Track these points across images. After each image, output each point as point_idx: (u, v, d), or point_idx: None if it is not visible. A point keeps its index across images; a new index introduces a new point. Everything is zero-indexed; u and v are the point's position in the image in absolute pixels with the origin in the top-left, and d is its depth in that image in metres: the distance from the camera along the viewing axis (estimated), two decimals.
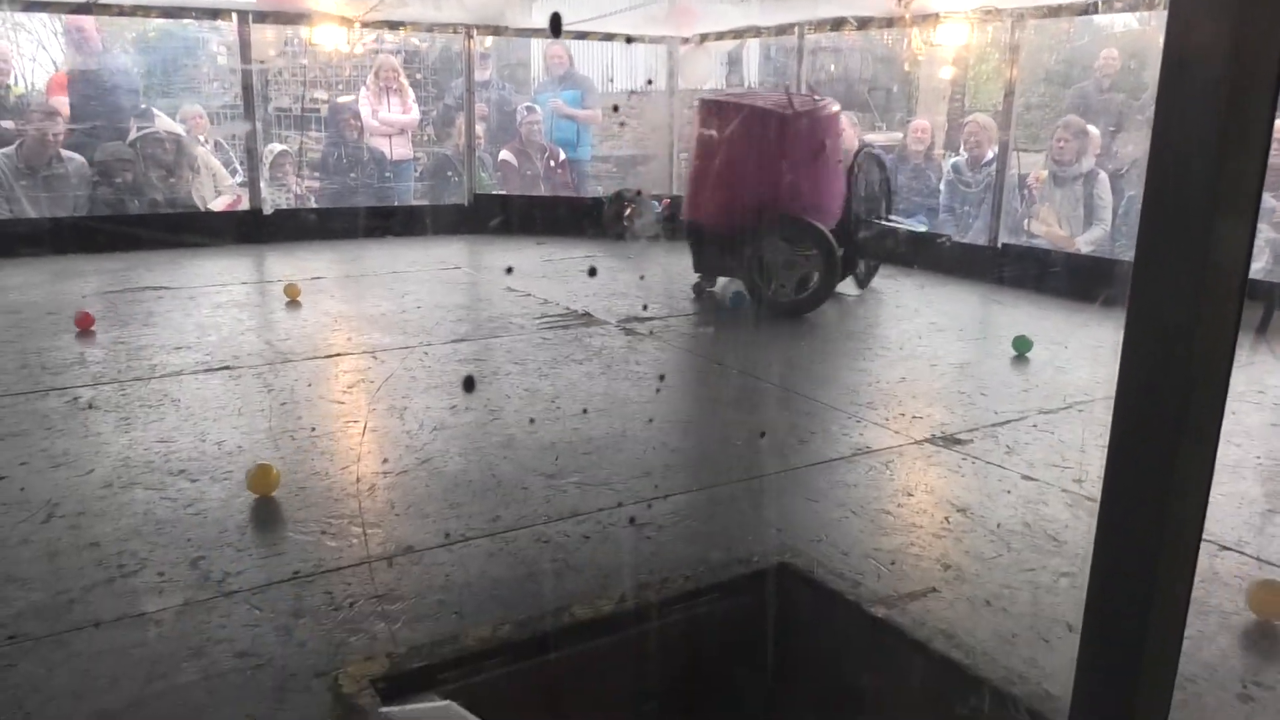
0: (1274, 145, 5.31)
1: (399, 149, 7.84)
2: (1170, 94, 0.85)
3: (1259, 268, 5.32)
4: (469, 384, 3.48)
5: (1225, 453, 2.97)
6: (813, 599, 2.09)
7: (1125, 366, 0.80)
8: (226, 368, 3.61)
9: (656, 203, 7.45)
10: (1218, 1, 0.83)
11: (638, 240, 6.87)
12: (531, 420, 3.08)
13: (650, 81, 10.39)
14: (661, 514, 2.45)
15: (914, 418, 3.27)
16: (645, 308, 4.83)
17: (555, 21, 5.13)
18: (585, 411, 3.18)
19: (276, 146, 7.74)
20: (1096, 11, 6.04)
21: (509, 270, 6.03)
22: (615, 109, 8.18)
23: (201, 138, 7.36)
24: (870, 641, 1.96)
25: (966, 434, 3.09)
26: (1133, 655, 0.80)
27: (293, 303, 4.77)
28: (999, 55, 7.57)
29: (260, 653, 1.81)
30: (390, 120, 7.73)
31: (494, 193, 7.82)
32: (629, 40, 8.16)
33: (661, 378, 3.64)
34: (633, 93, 9.11)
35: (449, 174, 8.19)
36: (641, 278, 5.85)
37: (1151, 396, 0.78)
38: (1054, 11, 6.06)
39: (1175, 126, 0.84)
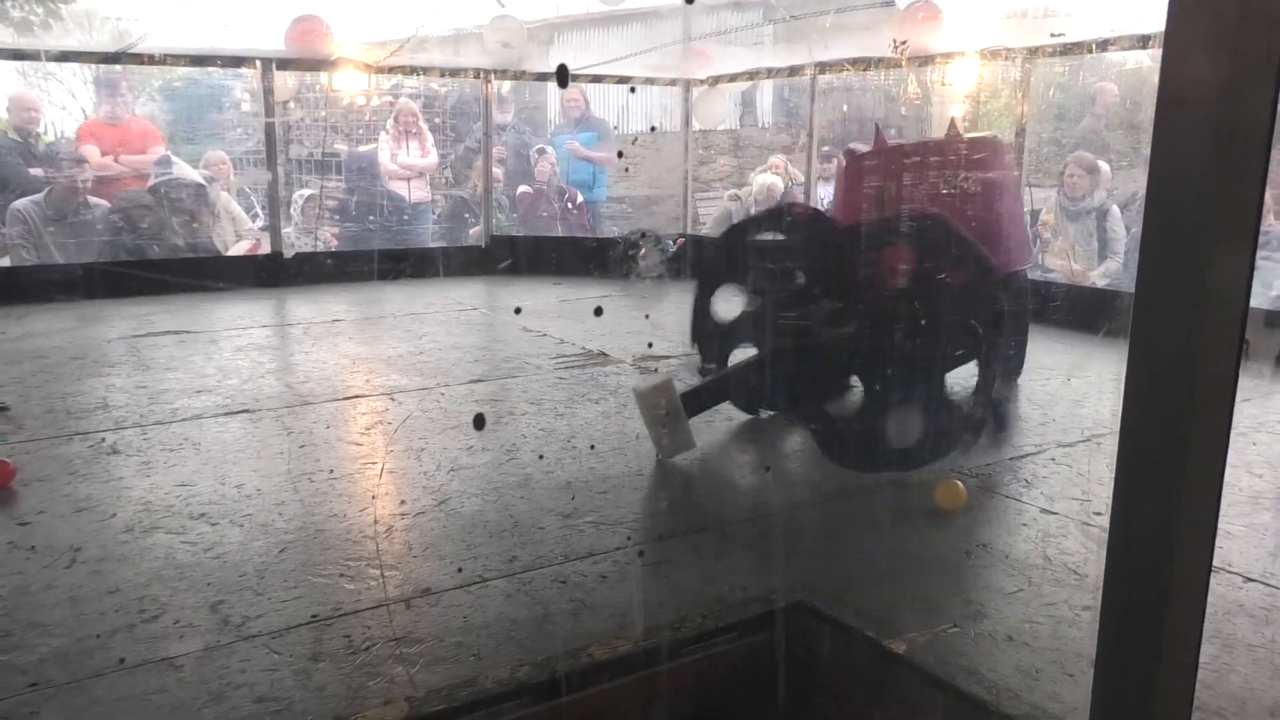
0: None
1: (417, 192, 7.95)
2: (1166, 129, 0.86)
3: (1275, 294, 5.29)
4: (479, 422, 3.49)
5: (1248, 483, 2.94)
6: (831, 636, 2.08)
7: (1129, 397, 0.81)
8: (246, 411, 3.64)
9: (671, 242, 7.51)
10: (1212, 37, 0.84)
11: (651, 279, 6.91)
12: (541, 456, 3.09)
13: (654, 128, 10.49)
14: (678, 552, 2.45)
15: None
16: (650, 345, 4.83)
17: (562, 73, 5.18)
18: (593, 448, 3.19)
19: (306, 191, 7.87)
20: (1105, 50, 6.09)
21: (518, 310, 6.08)
22: (620, 155, 8.26)
23: (220, 184, 7.49)
24: (889, 678, 1.94)
25: (984, 467, 3.08)
26: (1146, 688, 0.79)
27: (314, 345, 4.81)
28: (1009, 92, 7.62)
29: (279, 697, 1.81)
30: (409, 164, 7.84)
31: (511, 234, 7.89)
32: (632, 89, 8.28)
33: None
34: (635, 140, 9.22)
35: (466, 216, 8.29)
36: (646, 316, 5.84)
37: (1155, 427, 0.78)
38: (1064, 50, 6.11)
39: (1172, 161, 0.86)
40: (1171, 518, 0.78)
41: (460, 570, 2.30)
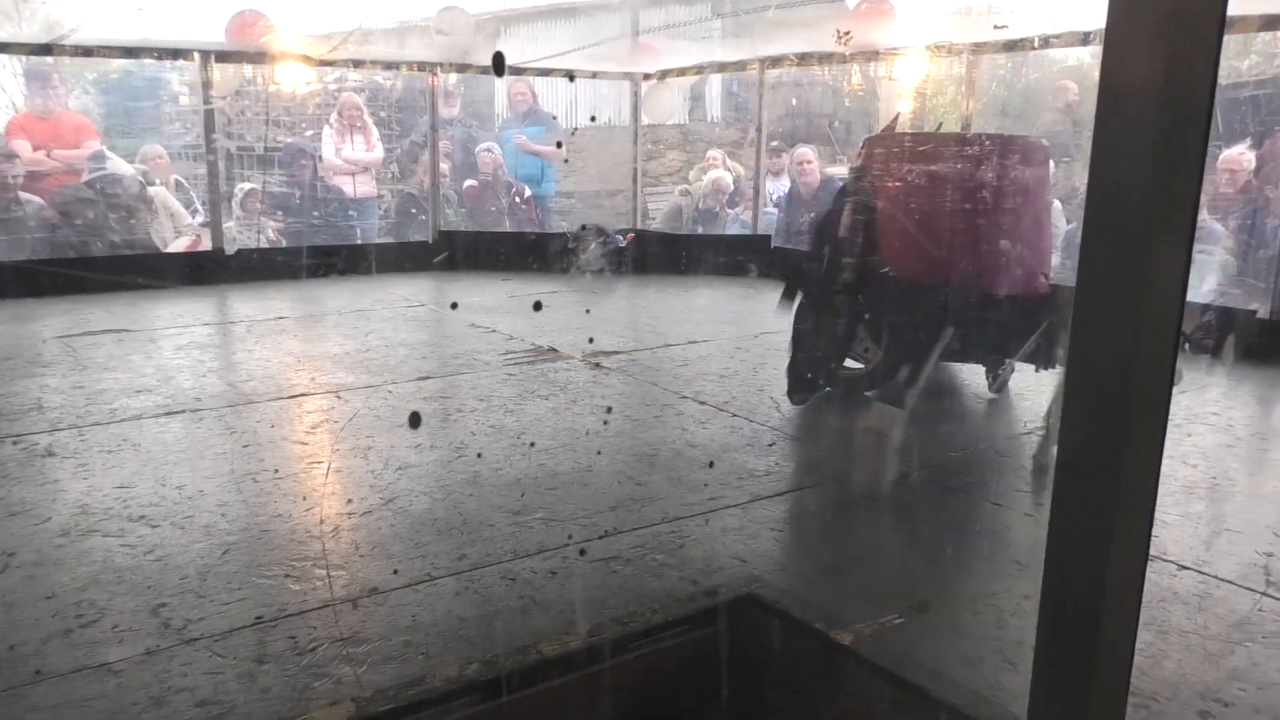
0: (1226, 176, 5.45)
1: (362, 187, 7.83)
2: (1107, 124, 0.87)
3: (1208, 289, 5.44)
4: (415, 420, 3.46)
5: (1183, 474, 3.02)
6: (779, 629, 2.09)
7: (1070, 389, 0.82)
8: (188, 410, 3.57)
9: (621, 237, 7.50)
10: (1151, 34, 0.86)
11: (594, 273, 6.91)
12: (479, 454, 3.08)
13: (594, 118, 10.46)
14: (628, 548, 2.44)
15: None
16: (591, 340, 4.82)
17: (498, 62, 5.12)
18: (532, 445, 3.18)
19: (246, 185, 7.71)
20: (1049, 46, 6.19)
21: (454, 306, 6.03)
22: (559, 145, 8.22)
23: (158, 180, 7.31)
24: (836, 670, 1.96)
25: (929, 462, 3.12)
26: (1084, 673, 0.81)
27: (258, 343, 4.73)
28: (955, 89, 7.73)
29: (222, 700, 1.77)
30: (354, 158, 7.73)
31: (459, 229, 7.83)
32: (570, 78, 8.24)
33: (609, 410, 3.64)
34: (574, 130, 9.17)
35: (413, 211, 8.19)
36: (587, 311, 5.82)
37: (1095, 419, 0.80)
38: (1008, 47, 6.21)
39: (1112, 156, 0.87)
40: (1110, 508, 0.79)
41: (396, 572, 2.27)
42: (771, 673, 2.13)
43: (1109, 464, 0.79)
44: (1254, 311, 4.78)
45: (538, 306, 5.82)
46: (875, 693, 1.87)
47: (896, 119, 4.18)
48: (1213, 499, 2.86)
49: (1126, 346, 0.82)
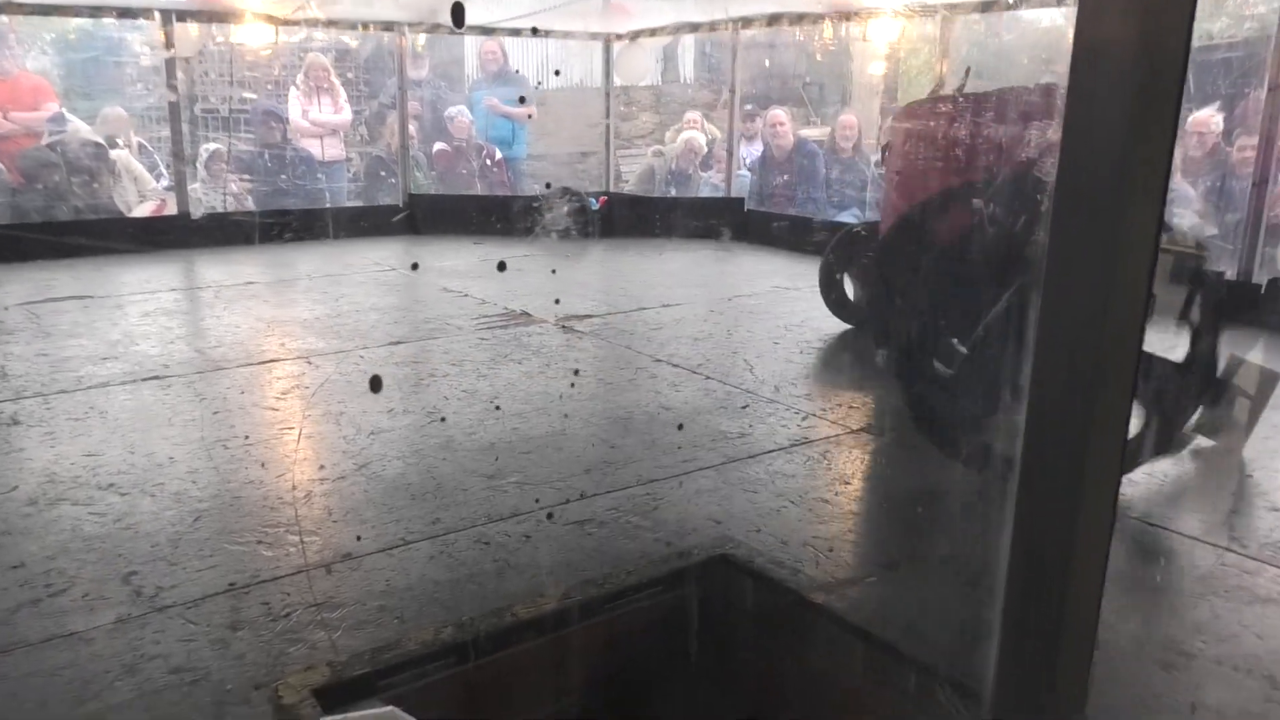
0: (1195, 138, 5.48)
1: (331, 150, 7.72)
2: (1080, 85, 0.87)
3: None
4: (376, 384, 3.43)
5: None
6: (753, 588, 2.11)
7: (1040, 345, 0.82)
8: (156, 377, 3.52)
9: (594, 200, 7.45)
10: None
11: (574, 237, 6.86)
12: (443, 419, 3.07)
13: (558, 72, 10.32)
14: (602, 510, 2.45)
15: (850, 408, 3.31)
16: (557, 301, 4.81)
17: (457, 12, 4.98)
18: (498, 408, 3.17)
19: (210, 146, 7.56)
20: (1021, 6, 6.18)
21: (414, 267, 5.99)
22: (522, 100, 8.09)
23: (121, 143, 7.16)
24: (810, 627, 1.98)
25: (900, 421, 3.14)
26: (1052, 625, 0.82)
27: (226, 309, 4.67)
28: (929, 50, 7.70)
29: (196, 667, 1.77)
30: (321, 121, 7.61)
31: (429, 192, 7.74)
32: (534, 31, 8.10)
33: (576, 372, 3.63)
34: (538, 84, 9.04)
35: (383, 174, 8.09)
36: (553, 271, 5.77)
37: (1065, 376, 0.80)
38: (983, 7, 6.18)
39: (1086, 116, 0.87)
40: (1078, 466, 0.80)
41: (359, 539, 2.26)
42: (745, 631, 2.15)
43: (1078, 423, 0.79)
44: (1222, 273, 4.83)
45: (501, 267, 5.76)
46: (847, 649, 1.89)
47: (967, 73, 3.40)
48: (1178, 458, 2.90)
49: (1098, 303, 0.82)
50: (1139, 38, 0.85)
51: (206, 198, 6.91)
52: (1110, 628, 1.93)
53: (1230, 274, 4.77)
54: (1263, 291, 4.65)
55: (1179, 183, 5.60)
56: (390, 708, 1.72)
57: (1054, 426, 0.82)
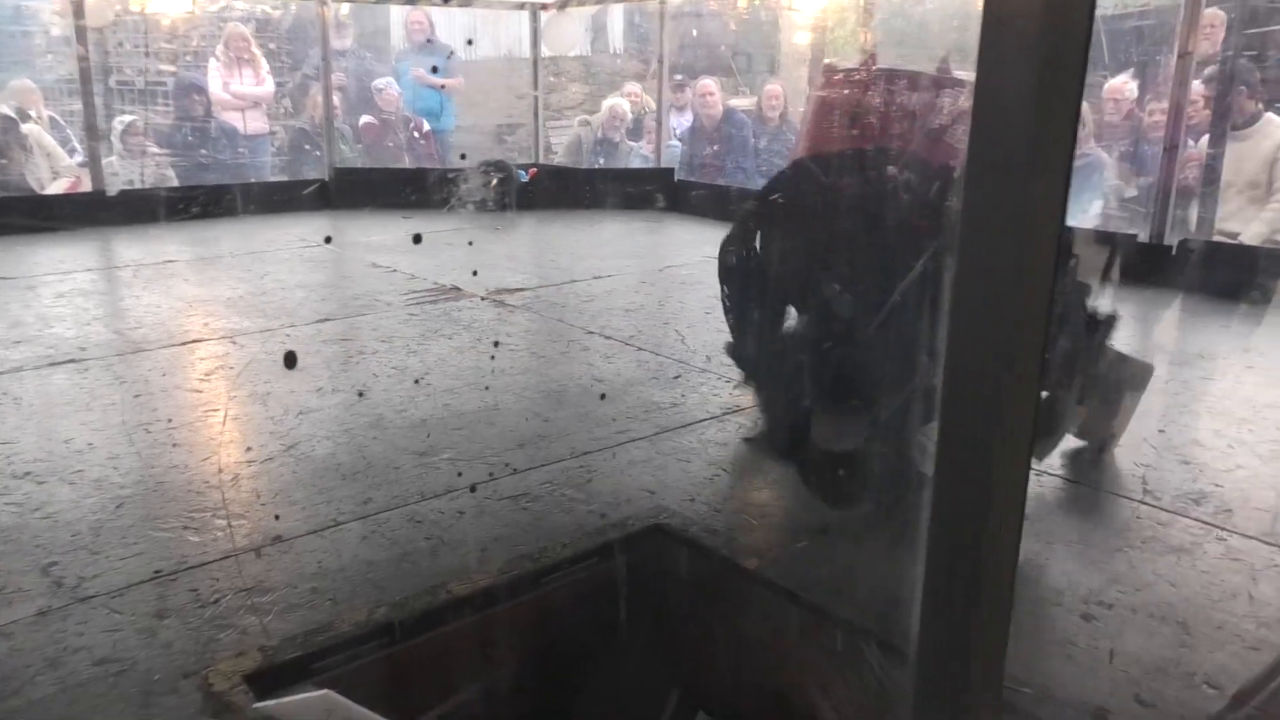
0: (1110, 105, 5.61)
1: (253, 123, 7.52)
2: (990, 52, 0.88)
3: (1094, 214, 5.63)
4: (290, 360, 3.37)
5: None
6: (688, 557, 2.13)
7: (954, 311, 0.84)
8: (72, 360, 3.41)
9: (524, 172, 7.38)
10: None
11: (504, 210, 6.80)
12: (361, 394, 3.04)
13: (470, 42, 10.16)
14: (536, 484, 2.45)
15: None
16: (475, 273, 4.76)
17: None
18: (417, 382, 3.15)
19: (126, 117, 7.29)
20: None
21: (328, 240, 5.90)
22: (434, 70, 7.94)
23: (33, 114, 6.88)
24: (743, 593, 2.01)
25: None
26: (972, 578, 0.85)
27: (145, 288, 4.54)
28: (854, 20, 7.75)
29: (122, 658, 1.73)
30: (242, 93, 7.40)
31: (356, 165, 7.59)
32: (449, 0, 7.96)
33: (496, 344, 3.61)
34: (450, 55, 8.91)
35: (307, 147, 7.91)
36: (470, 243, 5.71)
37: (979, 341, 0.82)
38: None
39: (995, 84, 0.88)
40: (993, 425, 0.82)
41: (278, 518, 2.23)
42: (680, 600, 2.17)
43: (991, 383, 0.81)
44: (1135, 235, 4.97)
45: (417, 240, 5.67)
46: (780, 613, 1.93)
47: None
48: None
49: (1009, 269, 0.84)
50: (1044, 8, 0.86)
51: (123, 172, 6.69)
52: (1032, 581, 2.00)
53: (1143, 236, 4.92)
54: (1174, 253, 4.80)
55: (1094, 148, 5.74)
56: (324, 691, 1.71)
57: (968, 388, 0.84)
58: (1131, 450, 2.70)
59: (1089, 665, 1.74)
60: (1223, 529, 2.25)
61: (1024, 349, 0.85)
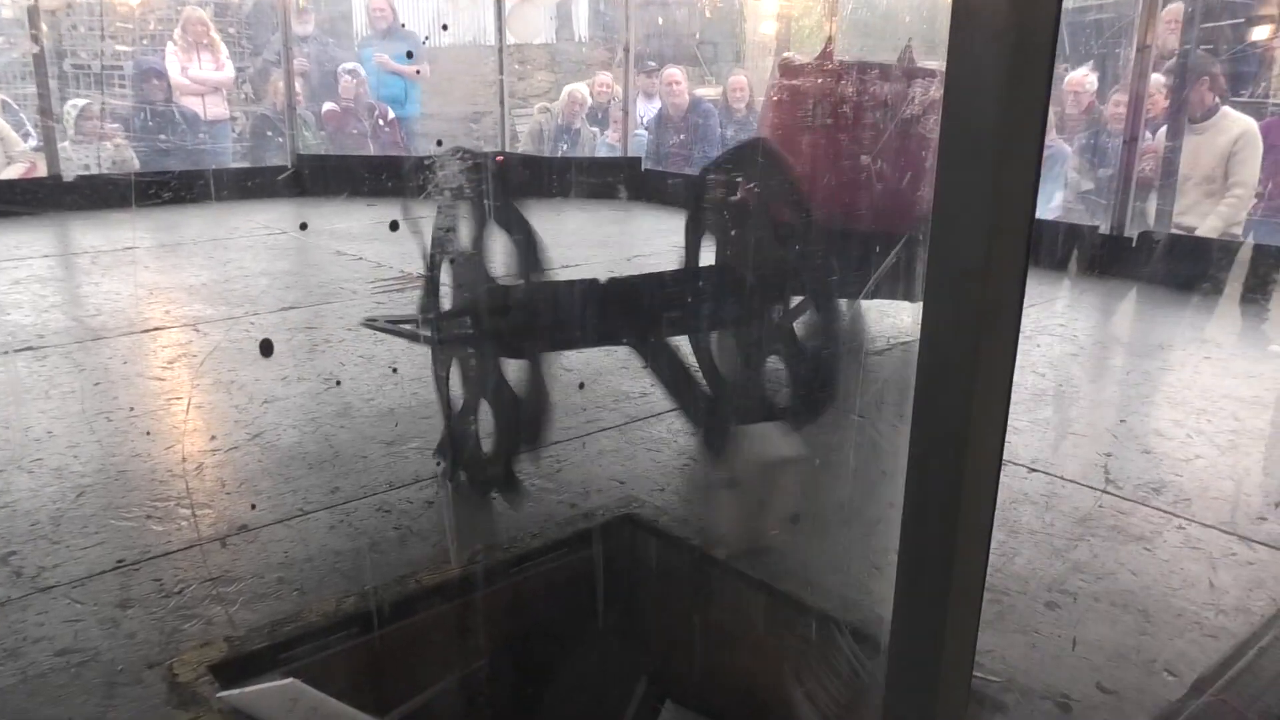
0: (1071, 97, 5.67)
1: (213, 108, 7.40)
2: (960, 38, 0.89)
3: (1056, 205, 5.70)
4: (266, 349, 3.33)
5: (1031, 381, 3.19)
6: (658, 547, 2.13)
7: (928, 302, 0.85)
8: (30, 348, 3.35)
9: (491, 160, 7.32)
10: None
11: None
12: (339, 382, 3.01)
13: (445, 26, 10.07)
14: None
15: None
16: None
17: None
18: (395, 370, 3.13)
19: (79, 101, 7.13)
20: None
21: (303, 226, 5.83)
22: (409, 55, 7.87)
23: None
24: (713, 583, 2.02)
25: None
26: (944, 573, 0.86)
27: (105, 275, 4.45)
28: (820, 9, 7.76)
29: (84, 648, 1.71)
30: (202, 78, 7.28)
31: (319, 152, 7.50)
32: None
33: None
34: (425, 39, 8.81)
35: (269, 134, 7.80)
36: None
37: (951, 330, 0.83)
38: None
39: (966, 69, 0.88)
40: (966, 415, 0.83)
41: (254, 507, 2.21)
42: (650, 589, 2.18)
43: (963, 375, 0.82)
44: (1096, 227, 5.04)
45: (394, 226, 5.59)
46: (750, 602, 1.94)
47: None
48: (1058, 405, 3.04)
49: (981, 258, 0.85)
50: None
51: (77, 158, 6.55)
52: (998, 570, 2.02)
53: (1104, 228, 4.99)
54: (1134, 244, 4.87)
55: (1055, 139, 5.81)
56: (290, 680, 1.70)
57: (943, 377, 0.85)
58: (1095, 440, 2.74)
59: (1053, 653, 1.77)
60: (1182, 518, 2.29)
61: (996, 339, 0.85)
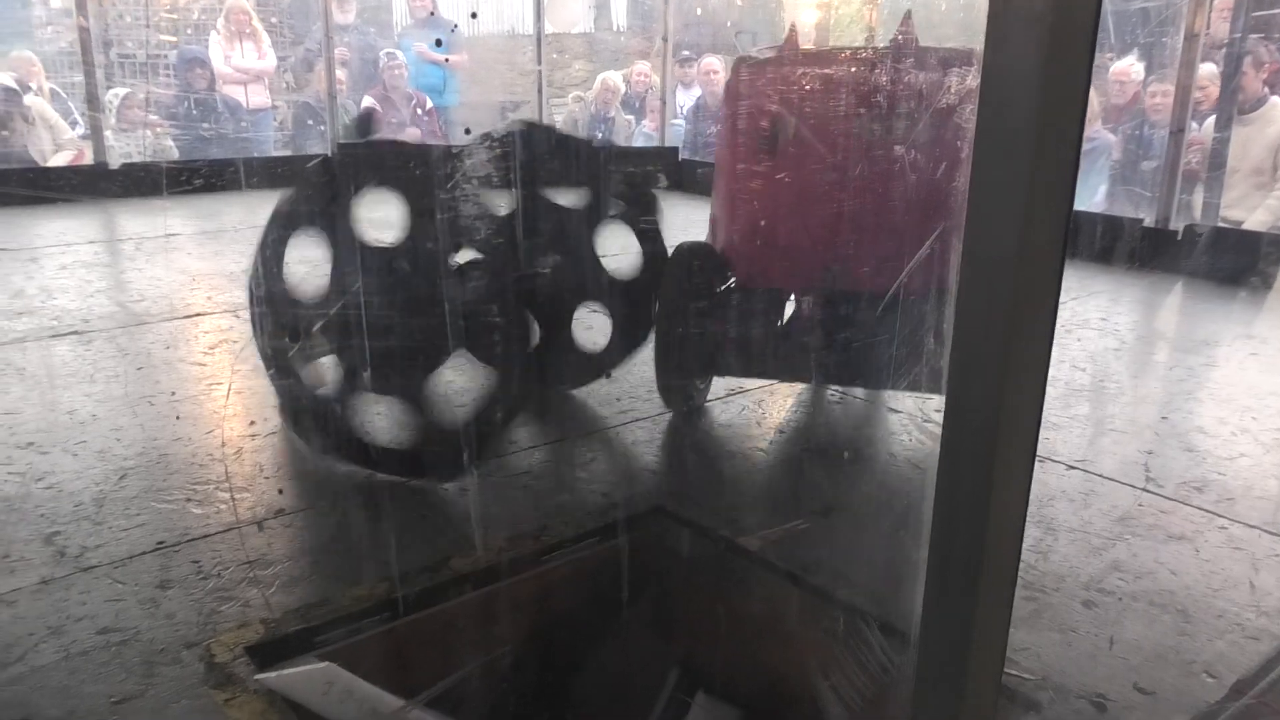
0: (1116, 87, 5.56)
1: (256, 97, 7.48)
2: (998, 24, 0.87)
3: (1099, 198, 5.61)
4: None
5: (1071, 377, 3.15)
6: (689, 538, 2.13)
7: (962, 292, 0.84)
8: (75, 332, 3.41)
9: None
10: None
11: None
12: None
13: (475, 15, 10.08)
14: (539, 462, 2.45)
15: None
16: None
17: None
18: None
19: (120, 90, 7.25)
20: None
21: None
22: (439, 43, 7.89)
23: (34, 86, 6.84)
24: (744, 575, 2.01)
25: None
26: (974, 569, 0.85)
27: (148, 261, 4.52)
28: None
29: (125, 627, 1.74)
30: (244, 67, 7.37)
31: (359, 141, 7.56)
32: None
33: None
34: (454, 27, 8.82)
35: (310, 122, 7.87)
36: None
37: (985, 323, 0.82)
38: None
39: (1004, 57, 0.87)
40: (997, 409, 0.82)
41: (281, 492, 2.24)
42: (680, 579, 2.18)
43: (997, 368, 0.81)
44: (1140, 220, 4.95)
45: None
46: (779, 595, 1.93)
47: (792, 30, 2.81)
48: (1099, 401, 3.00)
49: (1016, 250, 0.83)
50: None
51: (119, 145, 6.65)
52: (1034, 567, 2.00)
53: (1148, 220, 4.90)
54: (1179, 238, 4.78)
55: (1100, 130, 5.71)
56: (326, 664, 1.72)
57: (976, 370, 0.83)
58: (1134, 437, 2.70)
59: (1088, 651, 1.75)
60: (1225, 517, 2.25)
61: (1032, 332, 0.84)
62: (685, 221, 6.19)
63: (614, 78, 8.13)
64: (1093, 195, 5.57)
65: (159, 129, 7.12)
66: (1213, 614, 1.87)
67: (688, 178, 7.13)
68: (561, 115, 8.99)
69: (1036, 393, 0.83)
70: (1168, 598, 1.91)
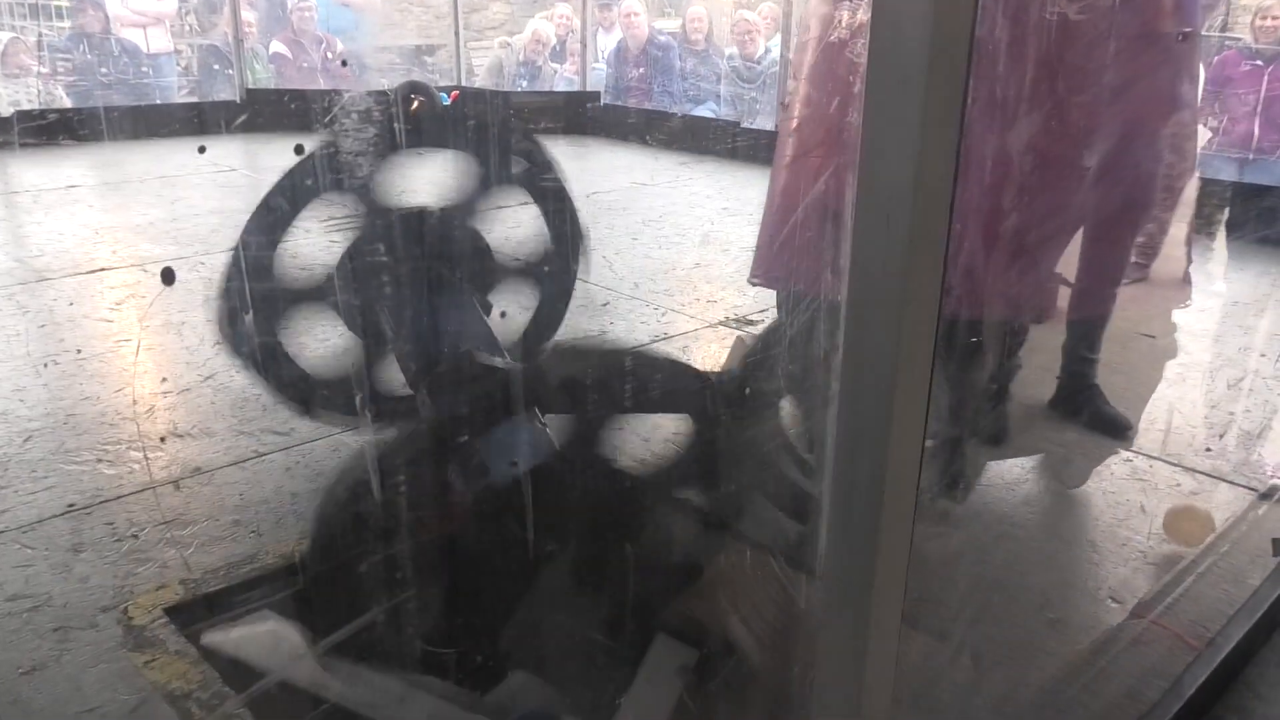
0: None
1: (156, 41, 7.17)
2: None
3: None
4: (168, 277, 3.26)
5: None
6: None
7: (856, 229, 0.85)
8: None
9: (445, 95, 7.19)
10: None
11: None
12: None
13: None
14: None
15: (709, 302, 3.37)
16: None
17: None
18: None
19: (4, 35, 6.86)
20: None
21: (201, 149, 5.71)
22: None
23: None
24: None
25: (758, 315, 3.22)
26: (874, 501, 0.88)
27: (47, 214, 4.34)
28: None
29: (35, 593, 1.70)
30: (142, 9, 7.04)
31: (269, 87, 7.31)
32: None
33: None
34: None
35: (217, 67, 7.58)
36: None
37: (879, 254, 0.84)
38: None
39: (890, 34, 0.87)
40: (896, 332, 0.84)
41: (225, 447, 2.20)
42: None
43: (893, 296, 0.83)
44: None
45: (201, 150, 5.39)
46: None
47: None
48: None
49: (907, 182, 0.84)
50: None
51: (8, 92, 6.31)
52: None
53: None
54: None
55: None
56: (272, 621, 1.70)
57: (871, 300, 0.86)
58: None
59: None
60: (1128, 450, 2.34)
61: (924, 259, 0.86)
62: (607, 166, 6.16)
63: (546, 29, 7.96)
64: None
65: (50, 75, 6.78)
66: (1117, 543, 1.96)
67: (610, 123, 7.06)
68: (485, 62, 8.80)
69: (932, 316, 0.85)
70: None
